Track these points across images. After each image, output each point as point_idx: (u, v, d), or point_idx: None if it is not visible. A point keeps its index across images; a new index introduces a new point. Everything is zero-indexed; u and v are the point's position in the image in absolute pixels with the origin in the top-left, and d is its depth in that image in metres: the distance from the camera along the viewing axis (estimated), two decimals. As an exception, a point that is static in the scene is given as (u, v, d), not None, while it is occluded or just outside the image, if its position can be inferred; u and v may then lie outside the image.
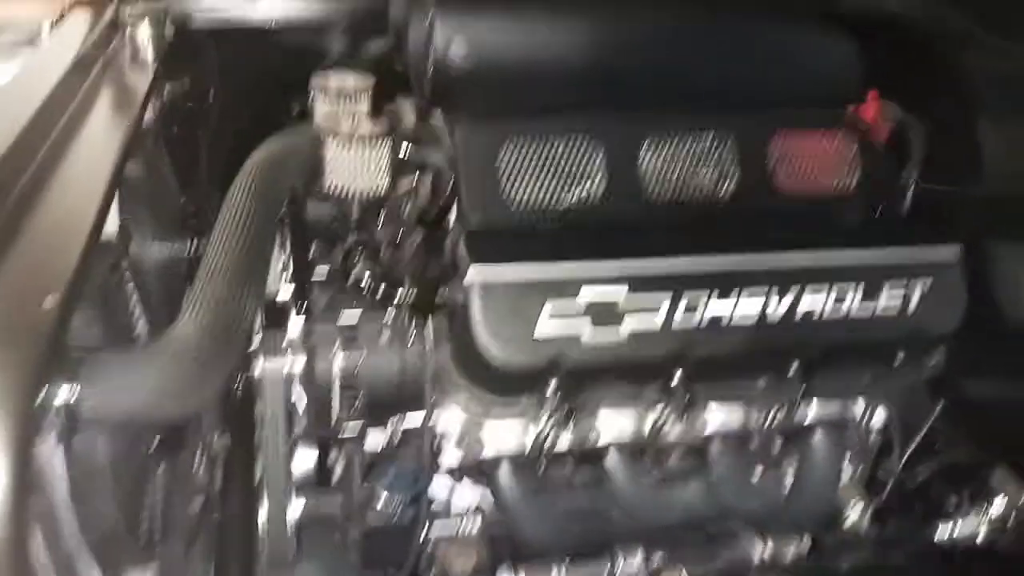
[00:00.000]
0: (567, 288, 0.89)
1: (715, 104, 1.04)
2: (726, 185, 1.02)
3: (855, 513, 1.12)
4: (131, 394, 0.68)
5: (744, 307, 0.94)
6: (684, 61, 1.04)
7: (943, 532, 1.10)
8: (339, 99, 1.07)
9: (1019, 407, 1.05)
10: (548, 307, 0.88)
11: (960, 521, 1.08)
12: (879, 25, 1.21)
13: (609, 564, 1.02)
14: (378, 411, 0.95)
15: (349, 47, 1.80)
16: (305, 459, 1.01)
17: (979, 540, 1.06)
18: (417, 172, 1.10)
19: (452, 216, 0.98)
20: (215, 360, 0.73)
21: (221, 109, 1.66)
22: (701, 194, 1.01)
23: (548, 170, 0.96)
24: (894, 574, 1.09)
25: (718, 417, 1.02)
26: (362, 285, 0.89)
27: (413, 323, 0.94)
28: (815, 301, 0.96)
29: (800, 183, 1.04)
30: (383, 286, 0.89)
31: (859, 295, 0.97)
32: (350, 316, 0.92)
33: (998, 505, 1.05)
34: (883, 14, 1.21)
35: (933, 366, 1.05)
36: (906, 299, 0.98)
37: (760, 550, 1.06)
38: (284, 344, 0.95)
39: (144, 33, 1.41)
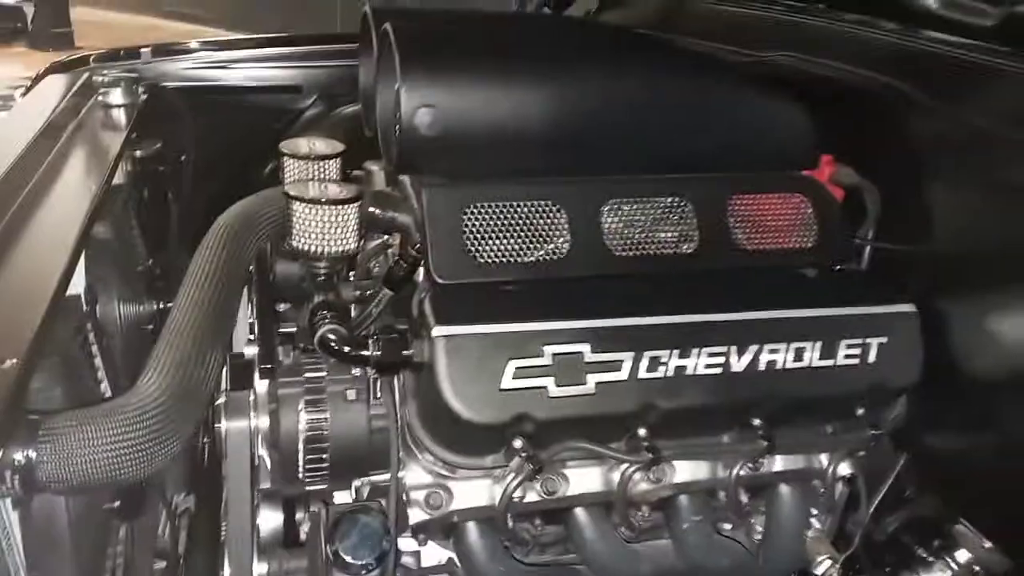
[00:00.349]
0: (531, 345, 0.90)
1: (674, 168, 1.08)
2: (687, 245, 1.05)
3: (823, 566, 1.12)
4: (90, 456, 0.68)
5: (706, 363, 0.95)
6: (643, 128, 1.08)
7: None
8: (308, 165, 1.09)
9: (975, 460, 1.07)
10: (513, 364, 0.89)
11: (926, 574, 1.09)
12: (832, 92, 1.27)
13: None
14: (344, 469, 0.94)
15: (321, 112, 1.85)
16: (270, 519, 1.00)
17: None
18: (386, 233, 1.12)
19: (420, 275, 1.00)
20: (177, 420, 0.73)
21: (194, 171, 1.69)
22: (663, 253, 1.04)
23: (512, 232, 0.98)
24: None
25: (685, 472, 1.03)
26: (329, 343, 0.89)
27: (380, 380, 0.94)
28: (775, 357, 0.98)
29: (759, 243, 1.07)
30: (350, 344, 0.89)
31: (817, 351, 0.99)
32: (316, 374, 0.93)
33: (961, 557, 1.07)
34: (835, 82, 1.27)
35: (894, 419, 1.08)
36: (863, 354, 1.01)
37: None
38: (249, 402, 0.95)
39: (116, 97, 1.44)
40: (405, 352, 0.88)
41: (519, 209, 1.00)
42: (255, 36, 2.27)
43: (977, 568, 1.07)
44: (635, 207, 1.05)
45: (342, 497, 1.00)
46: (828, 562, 1.11)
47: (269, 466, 0.96)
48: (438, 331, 0.88)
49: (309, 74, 1.88)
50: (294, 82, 1.87)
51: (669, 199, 1.06)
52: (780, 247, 1.09)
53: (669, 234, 1.05)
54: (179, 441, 0.74)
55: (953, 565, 1.08)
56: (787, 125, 1.12)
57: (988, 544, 1.04)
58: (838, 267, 1.11)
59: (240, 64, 1.86)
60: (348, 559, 0.88)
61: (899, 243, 1.16)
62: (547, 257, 1.00)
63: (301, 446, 0.90)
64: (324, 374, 0.92)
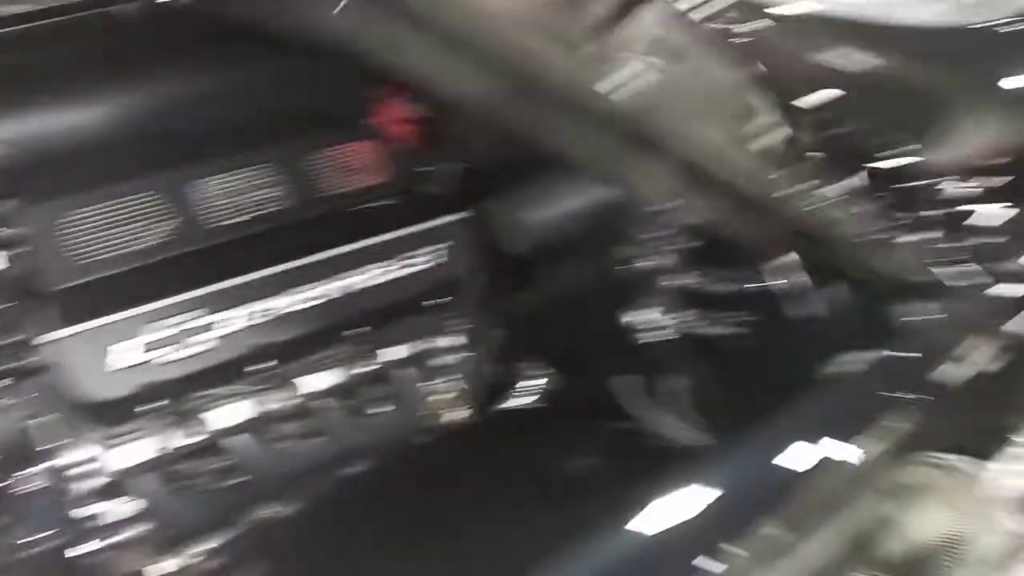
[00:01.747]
0: (146, 322, 1.08)
1: (255, 141, 1.26)
2: (277, 205, 1.25)
3: (460, 413, 1.45)
4: None
5: (303, 298, 1.20)
6: (215, 111, 1.24)
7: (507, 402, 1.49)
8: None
9: (544, 317, 1.43)
10: (131, 342, 1.07)
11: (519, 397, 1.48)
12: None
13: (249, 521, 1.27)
14: (12, 464, 1.08)
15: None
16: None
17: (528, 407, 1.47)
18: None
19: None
20: None
21: None
22: (257, 216, 1.23)
23: (112, 230, 1.13)
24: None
25: (315, 383, 1.28)
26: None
27: (20, 383, 1.08)
28: (359, 279, 1.24)
29: (339, 189, 1.31)
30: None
31: (395, 265, 1.28)
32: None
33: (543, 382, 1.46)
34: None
35: (473, 301, 1.40)
36: (433, 258, 1.30)
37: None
38: None
39: None
40: (26, 360, 1.02)
41: (115, 207, 1.15)
42: None
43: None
44: (225, 180, 1.23)
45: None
46: (458, 410, 1.45)
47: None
48: (48, 337, 1.03)
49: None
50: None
51: (255, 167, 1.25)
52: (357, 188, 1.33)
53: (260, 198, 1.26)
54: None
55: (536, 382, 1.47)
56: (340, 82, 1.34)
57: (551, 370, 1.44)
58: (411, 192, 1.39)
59: None
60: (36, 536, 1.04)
61: (460, 162, 1.46)
62: (151, 244, 1.16)
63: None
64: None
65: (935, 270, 0.84)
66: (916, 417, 0.93)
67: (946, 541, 1.24)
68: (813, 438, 0.77)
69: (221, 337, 1.13)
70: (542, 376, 1.43)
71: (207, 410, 1.18)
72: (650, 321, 0.93)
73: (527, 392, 1.45)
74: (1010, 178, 0.91)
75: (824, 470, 0.77)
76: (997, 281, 0.91)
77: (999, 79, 0.97)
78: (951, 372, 0.97)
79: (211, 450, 1.23)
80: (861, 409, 0.87)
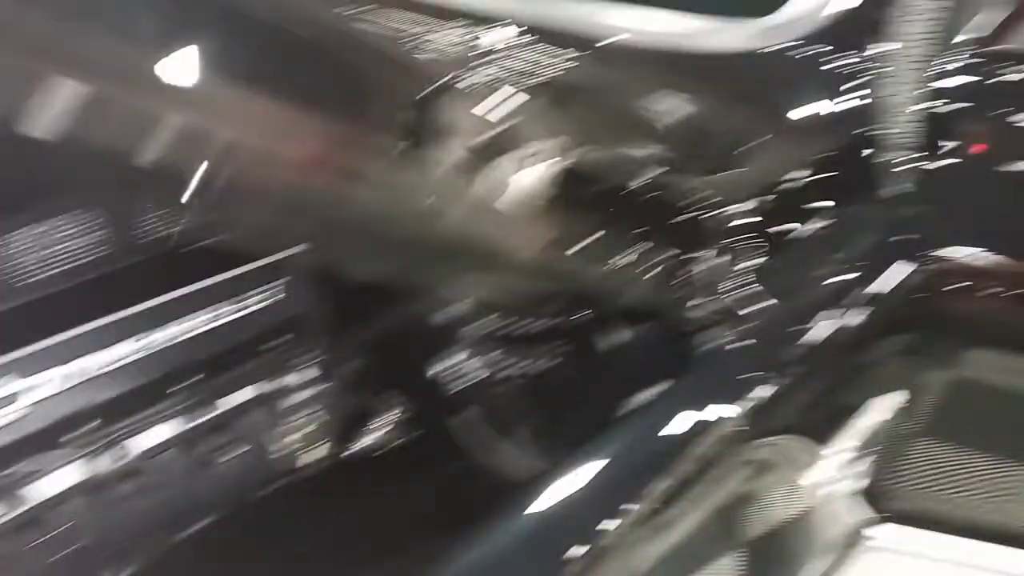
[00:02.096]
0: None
1: (67, 185, 1.18)
2: (91, 254, 1.18)
3: (318, 452, 1.43)
4: None
5: (130, 350, 1.14)
6: (19, 160, 1.15)
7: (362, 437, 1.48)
8: None
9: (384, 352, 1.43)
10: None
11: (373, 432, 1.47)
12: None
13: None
14: None
15: None
16: None
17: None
18: None
19: None
20: None
21: None
22: (78, 265, 1.16)
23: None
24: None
25: (154, 436, 1.22)
26: None
27: None
28: (192, 325, 1.20)
29: (163, 231, 1.24)
30: None
31: (228, 309, 1.23)
32: None
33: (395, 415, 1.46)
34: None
35: (318, 335, 1.37)
36: (268, 298, 1.27)
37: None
38: None
39: None
40: None
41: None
42: None
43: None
44: (31, 233, 1.15)
45: None
46: (321, 447, 1.42)
47: None
48: None
49: None
50: None
51: (65, 217, 1.17)
52: (181, 231, 1.28)
53: (72, 249, 1.18)
54: None
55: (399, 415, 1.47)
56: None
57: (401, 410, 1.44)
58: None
59: None
60: None
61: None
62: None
63: None
64: None
65: (730, 298, 0.90)
66: (764, 399, 0.99)
67: (795, 523, 1.33)
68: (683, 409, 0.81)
69: (34, 404, 1.06)
70: (394, 409, 1.42)
71: (27, 483, 1.11)
72: (465, 362, 0.95)
73: (381, 426, 1.44)
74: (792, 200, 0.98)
75: (694, 441, 0.82)
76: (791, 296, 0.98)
77: (785, 105, 1.05)
78: (789, 358, 1.05)
79: (37, 522, 1.15)
80: (720, 388, 0.92)
